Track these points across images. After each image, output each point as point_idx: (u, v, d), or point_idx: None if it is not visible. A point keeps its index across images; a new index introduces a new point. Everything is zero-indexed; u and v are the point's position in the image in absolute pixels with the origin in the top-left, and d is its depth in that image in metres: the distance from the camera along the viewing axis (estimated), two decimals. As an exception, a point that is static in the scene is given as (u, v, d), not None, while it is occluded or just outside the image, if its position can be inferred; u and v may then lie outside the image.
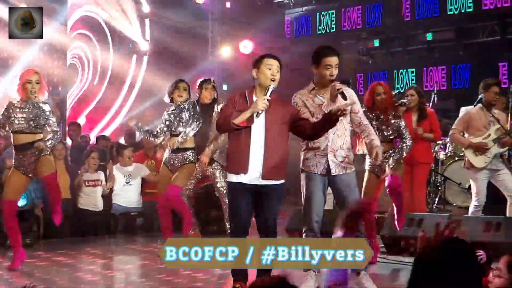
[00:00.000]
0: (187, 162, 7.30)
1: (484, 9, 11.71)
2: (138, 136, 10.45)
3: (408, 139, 6.87)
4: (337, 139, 5.65)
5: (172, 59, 13.40)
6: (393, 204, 7.15)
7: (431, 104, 9.92)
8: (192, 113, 7.27)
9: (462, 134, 7.67)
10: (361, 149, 7.14)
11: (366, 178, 6.95)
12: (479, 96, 7.56)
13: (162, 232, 7.40)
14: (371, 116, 6.75)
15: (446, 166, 9.83)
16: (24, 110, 6.58)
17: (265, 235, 5.27)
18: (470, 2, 11.83)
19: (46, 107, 6.65)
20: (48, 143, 6.61)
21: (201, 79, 8.06)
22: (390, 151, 6.85)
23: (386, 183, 6.89)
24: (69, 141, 11.00)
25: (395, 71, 13.13)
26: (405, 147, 6.86)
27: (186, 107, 7.28)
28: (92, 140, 11.81)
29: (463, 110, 7.80)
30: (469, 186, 8.37)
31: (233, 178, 5.37)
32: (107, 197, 9.67)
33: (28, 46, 10.85)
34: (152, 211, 9.22)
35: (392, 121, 6.89)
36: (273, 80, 5.33)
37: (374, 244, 6.70)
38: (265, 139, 5.30)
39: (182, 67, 13.19)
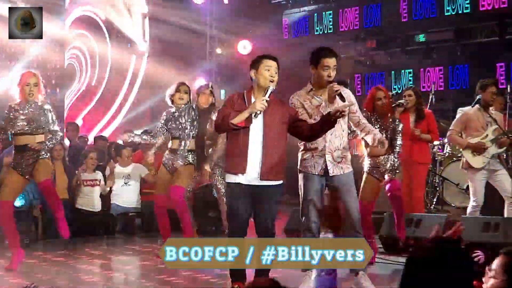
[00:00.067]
0: (186, 163, 7.31)
1: (482, 10, 11.72)
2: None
3: (397, 147, 6.89)
4: (335, 140, 5.67)
5: (170, 59, 13.39)
6: (394, 213, 7.21)
7: (429, 105, 9.93)
8: (190, 118, 7.28)
9: (460, 135, 7.68)
10: (360, 149, 7.16)
11: (364, 180, 6.97)
12: (477, 97, 7.58)
13: (161, 233, 7.41)
14: (372, 120, 6.76)
15: (444, 167, 9.85)
16: (24, 111, 6.61)
17: (263, 236, 5.28)
18: (467, 3, 11.85)
19: (46, 106, 6.68)
20: (49, 143, 6.64)
21: (199, 82, 8.08)
22: (389, 155, 6.89)
23: (386, 188, 6.96)
24: (67, 142, 10.98)
25: (393, 71, 13.15)
26: (394, 156, 6.91)
27: (186, 111, 7.29)
28: (90, 140, 11.81)
29: (460, 111, 7.81)
30: (467, 187, 8.39)
31: (232, 178, 5.38)
32: (105, 197, 9.67)
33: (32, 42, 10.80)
34: (151, 211, 9.21)
35: (390, 123, 6.92)
36: (272, 82, 5.34)
37: (372, 244, 6.72)
38: (264, 139, 5.30)
39: (181, 67, 13.19)
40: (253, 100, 5.36)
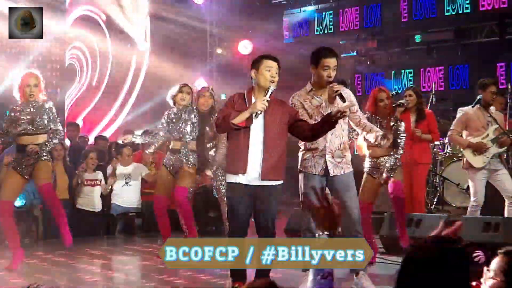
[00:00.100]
0: (190, 165, 7.29)
1: (482, 10, 11.72)
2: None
3: (400, 147, 6.91)
4: (335, 140, 5.67)
5: (171, 59, 13.38)
6: (396, 217, 7.20)
7: (429, 105, 9.94)
8: (190, 120, 7.28)
9: (460, 134, 7.68)
10: (362, 150, 7.18)
11: (363, 180, 6.98)
12: (478, 97, 7.58)
13: (161, 233, 7.41)
14: (374, 121, 6.76)
15: (445, 167, 9.85)
16: (25, 112, 6.61)
17: (264, 236, 5.29)
18: (467, 3, 11.84)
19: (47, 105, 6.68)
20: (49, 143, 6.64)
21: (199, 82, 8.08)
22: (392, 155, 6.91)
23: (390, 190, 6.98)
24: (67, 142, 10.99)
25: (393, 71, 13.14)
26: (398, 156, 6.92)
27: (187, 112, 7.28)
28: (91, 140, 11.81)
29: (460, 110, 7.81)
30: (468, 187, 8.39)
31: (232, 178, 5.39)
32: (106, 197, 9.67)
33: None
34: (151, 211, 9.20)
35: (392, 125, 6.93)
36: (273, 82, 5.35)
37: (372, 244, 6.72)
38: (264, 139, 5.31)
39: (181, 67, 13.18)
40: (253, 100, 5.37)
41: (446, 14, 12.12)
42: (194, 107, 7.48)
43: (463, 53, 12.43)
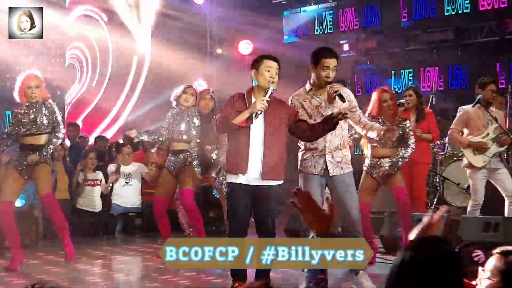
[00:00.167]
0: (187, 163, 7.30)
1: (482, 9, 11.72)
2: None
3: (410, 148, 6.93)
4: (335, 140, 5.68)
5: (171, 59, 13.36)
6: (401, 225, 7.16)
7: (429, 104, 9.94)
8: (193, 122, 7.27)
9: (461, 133, 7.69)
10: (366, 149, 7.18)
11: (362, 179, 6.97)
12: (477, 97, 7.58)
13: (161, 233, 7.41)
14: (379, 123, 6.74)
15: (445, 167, 9.85)
16: (28, 113, 6.60)
17: (264, 236, 5.29)
18: (467, 3, 11.84)
19: (48, 104, 6.66)
20: (50, 144, 6.64)
21: (198, 83, 8.07)
22: (394, 157, 6.91)
23: (395, 195, 6.96)
24: (67, 142, 10.98)
25: (393, 71, 13.15)
26: (406, 155, 6.92)
27: (189, 114, 7.28)
28: (91, 141, 11.80)
29: (461, 109, 7.82)
30: (468, 186, 8.39)
31: (232, 178, 5.40)
32: (106, 197, 9.68)
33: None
34: (151, 211, 9.22)
35: (398, 124, 6.93)
36: (272, 82, 5.35)
37: (372, 244, 6.72)
38: (264, 139, 5.32)
39: (181, 67, 13.17)
40: (253, 100, 5.37)
41: (446, 14, 12.12)
42: (196, 110, 7.46)
43: (463, 53, 12.43)
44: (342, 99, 5.55)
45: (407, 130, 7.01)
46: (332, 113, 5.31)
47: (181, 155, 7.31)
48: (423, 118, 8.11)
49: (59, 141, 6.89)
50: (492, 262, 2.70)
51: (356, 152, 9.95)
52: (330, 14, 13.69)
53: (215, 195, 9.42)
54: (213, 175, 7.75)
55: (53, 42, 11.42)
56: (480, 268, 2.77)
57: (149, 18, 13.74)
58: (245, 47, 14.53)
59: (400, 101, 7.80)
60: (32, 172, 6.66)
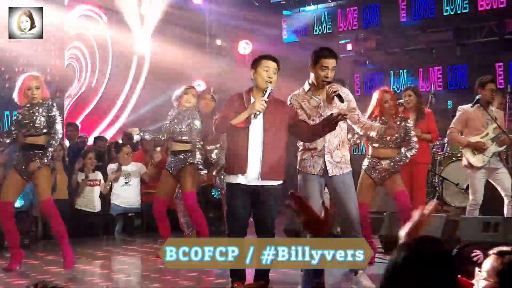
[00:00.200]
0: (187, 164, 7.30)
1: (481, 10, 11.72)
2: (137, 137, 10.41)
3: (414, 148, 6.92)
4: (334, 140, 5.68)
5: (170, 59, 13.36)
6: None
7: (428, 104, 9.94)
8: (192, 123, 7.27)
9: (460, 133, 7.69)
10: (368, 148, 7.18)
11: (360, 178, 6.96)
12: (477, 96, 7.59)
13: (161, 233, 7.40)
14: (381, 123, 6.73)
15: (444, 167, 9.85)
16: (29, 114, 6.59)
17: (263, 236, 5.30)
18: (466, 3, 11.85)
19: (47, 105, 6.65)
20: (50, 143, 6.63)
21: (198, 83, 8.07)
22: (395, 158, 6.90)
23: (396, 199, 6.94)
24: (67, 142, 10.98)
25: (393, 71, 13.15)
26: (408, 155, 6.92)
27: (189, 115, 7.28)
28: (91, 141, 11.79)
29: (460, 109, 7.82)
30: (467, 186, 8.40)
31: (232, 179, 5.40)
32: (105, 197, 9.68)
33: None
34: (150, 211, 9.23)
35: (400, 124, 6.92)
36: (270, 82, 5.35)
37: (371, 244, 6.72)
38: (264, 139, 5.32)
39: (181, 67, 13.17)
40: (252, 100, 5.37)
41: (445, 14, 12.13)
42: (197, 110, 7.46)
43: (462, 53, 12.44)
44: (341, 99, 5.56)
45: (409, 130, 7.00)
46: (332, 114, 5.32)
47: (180, 156, 7.31)
48: (422, 118, 8.11)
49: (58, 142, 6.88)
50: (489, 262, 2.70)
51: (355, 152, 9.96)
52: (329, 14, 13.69)
53: (214, 195, 9.42)
54: (214, 173, 7.75)
55: (52, 42, 11.42)
56: (476, 269, 2.77)
57: (150, 18, 13.73)
58: (244, 47, 14.54)
59: (400, 101, 7.81)
60: (32, 174, 6.64)
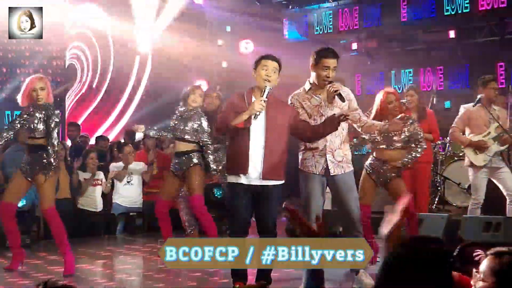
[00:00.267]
0: (192, 165, 7.28)
1: (481, 9, 11.72)
2: (139, 137, 10.42)
3: (421, 148, 6.88)
4: (335, 139, 5.67)
5: (170, 59, 13.36)
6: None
7: (429, 104, 9.94)
8: (197, 123, 7.26)
9: (462, 132, 7.69)
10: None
11: (362, 178, 6.92)
12: (478, 96, 7.58)
13: (162, 234, 7.38)
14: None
15: (446, 166, 9.85)
16: (34, 115, 6.57)
17: (265, 236, 5.30)
18: (467, 3, 11.84)
19: (50, 108, 6.63)
20: (53, 148, 6.61)
21: (199, 83, 8.06)
22: (399, 159, 6.87)
23: (400, 203, 6.88)
24: (68, 142, 10.99)
25: (393, 71, 13.15)
26: (417, 155, 6.89)
27: (195, 115, 7.26)
28: (92, 141, 11.80)
29: (462, 108, 7.82)
30: (469, 186, 8.39)
31: (233, 178, 5.40)
32: (107, 196, 9.68)
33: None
34: (152, 211, 9.22)
35: (407, 124, 6.88)
36: (268, 81, 5.34)
37: (373, 244, 6.70)
38: (265, 139, 5.32)
39: (181, 67, 13.17)
40: (253, 100, 5.37)
41: (446, 14, 12.12)
42: (202, 111, 7.43)
43: (463, 53, 12.44)
44: (342, 98, 5.56)
45: (419, 131, 6.93)
46: (334, 114, 5.32)
47: (183, 157, 7.28)
48: (424, 118, 8.10)
49: (56, 148, 6.83)
50: (486, 263, 2.69)
51: (356, 151, 9.94)
52: (330, 13, 13.69)
53: (216, 194, 9.41)
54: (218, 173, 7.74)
55: (53, 43, 11.43)
56: (474, 270, 2.76)
57: (150, 18, 13.73)
58: (245, 47, 14.53)
59: (401, 101, 7.79)
60: (36, 175, 6.59)
